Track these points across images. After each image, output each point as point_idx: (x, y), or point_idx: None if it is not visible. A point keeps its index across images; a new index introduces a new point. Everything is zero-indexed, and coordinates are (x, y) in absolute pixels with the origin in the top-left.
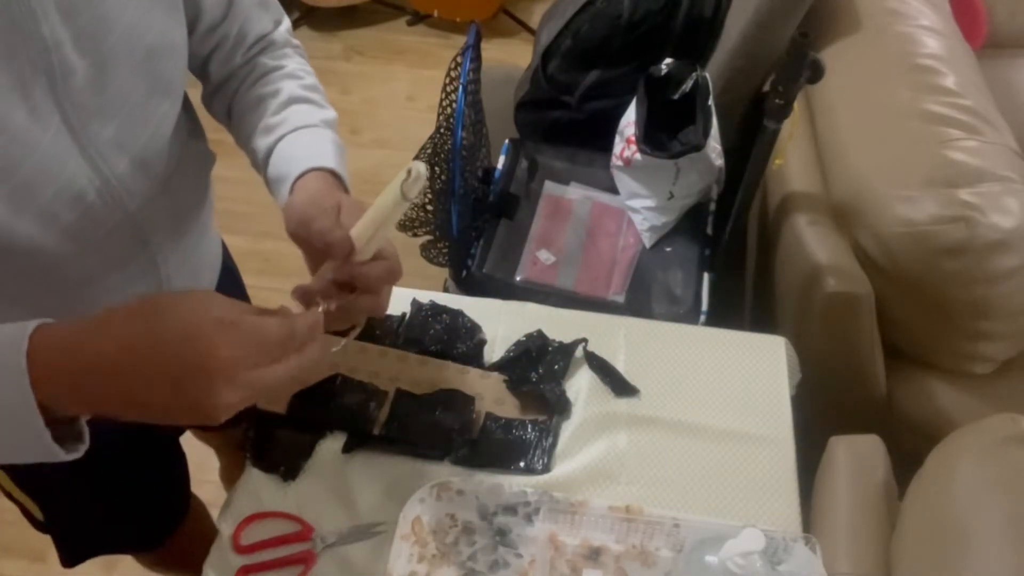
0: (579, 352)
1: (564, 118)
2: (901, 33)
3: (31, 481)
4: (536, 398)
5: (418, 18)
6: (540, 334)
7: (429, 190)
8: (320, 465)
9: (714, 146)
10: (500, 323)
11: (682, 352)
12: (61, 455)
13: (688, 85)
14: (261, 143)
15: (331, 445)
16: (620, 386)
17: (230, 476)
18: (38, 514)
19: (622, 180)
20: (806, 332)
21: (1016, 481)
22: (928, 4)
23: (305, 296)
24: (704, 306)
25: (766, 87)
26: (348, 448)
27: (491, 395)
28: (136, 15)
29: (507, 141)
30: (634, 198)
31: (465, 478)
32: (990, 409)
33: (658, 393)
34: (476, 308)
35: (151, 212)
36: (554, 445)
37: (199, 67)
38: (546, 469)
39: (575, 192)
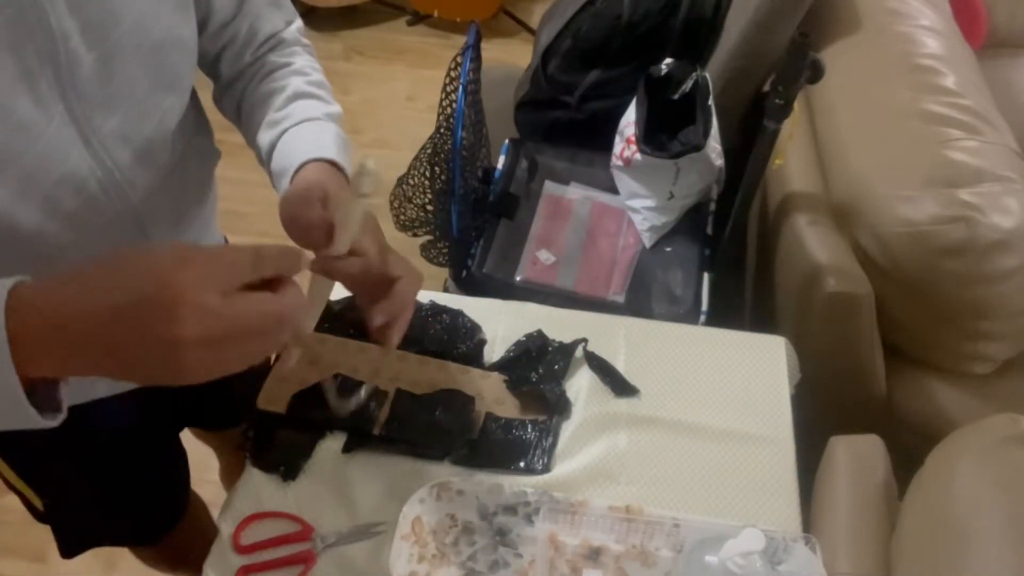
0: (579, 352)
1: (564, 118)
2: (901, 33)
3: (32, 471)
4: (536, 398)
5: (418, 18)
6: (540, 334)
7: (429, 190)
8: (320, 465)
9: (714, 146)
10: (500, 323)
11: (682, 352)
12: (37, 419)
13: (688, 85)
14: (265, 138)
15: (331, 445)
16: (620, 386)
17: (230, 476)
18: (38, 504)
19: (622, 180)
20: (806, 332)
21: (1016, 481)
22: (928, 4)
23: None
24: (704, 306)
25: (766, 87)
26: (348, 448)
27: (491, 395)
28: (144, 9)
29: (507, 141)
30: (634, 198)
31: (465, 478)
32: (990, 409)
33: (658, 393)
34: (476, 308)
35: (153, 204)
36: (554, 445)
37: (210, 65)
38: (546, 469)
39: (575, 192)
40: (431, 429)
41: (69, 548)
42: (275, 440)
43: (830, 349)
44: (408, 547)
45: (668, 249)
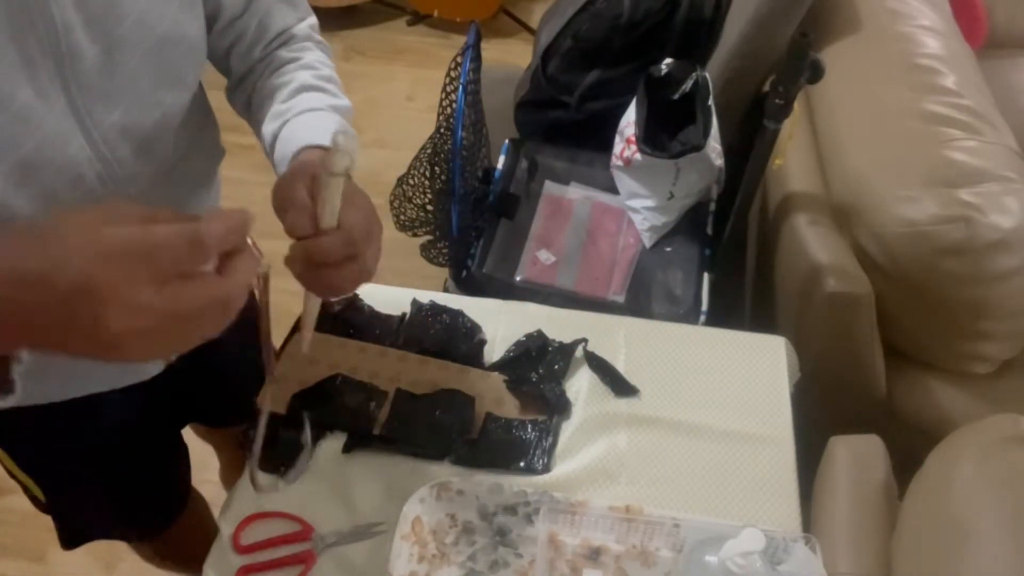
0: (579, 352)
1: (564, 118)
2: (901, 33)
3: (33, 463)
4: (536, 398)
5: (418, 18)
6: (540, 334)
7: (429, 190)
8: (320, 465)
9: (714, 146)
10: (500, 323)
11: (682, 352)
12: None
13: (688, 85)
14: (268, 129)
15: (331, 445)
16: (620, 386)
17: (230, 476)
18: (39, 495)
19: (622, 180)
20: (806, 332)
21: (1016, 481)
22: (928, 4)
23: None
24: (704, 306)
25: (766, 87)
26: (348, 448)
27: (491, 395)
28: (149, 6)
29: (507, 141)
30: (634, 198)
31: (465, 478)
32: (990, 409)
33: (658, 393)
34: (476, 308)
35: (152, 199)
36: (554, 445)
37: (221, 61)
38: (546, 469)
39: (575, 192)
40: (431, 429)
41: (69, 539)
42: (275, 440)
43: (830, 349)
44: (408, 547)
45: (668, 249)
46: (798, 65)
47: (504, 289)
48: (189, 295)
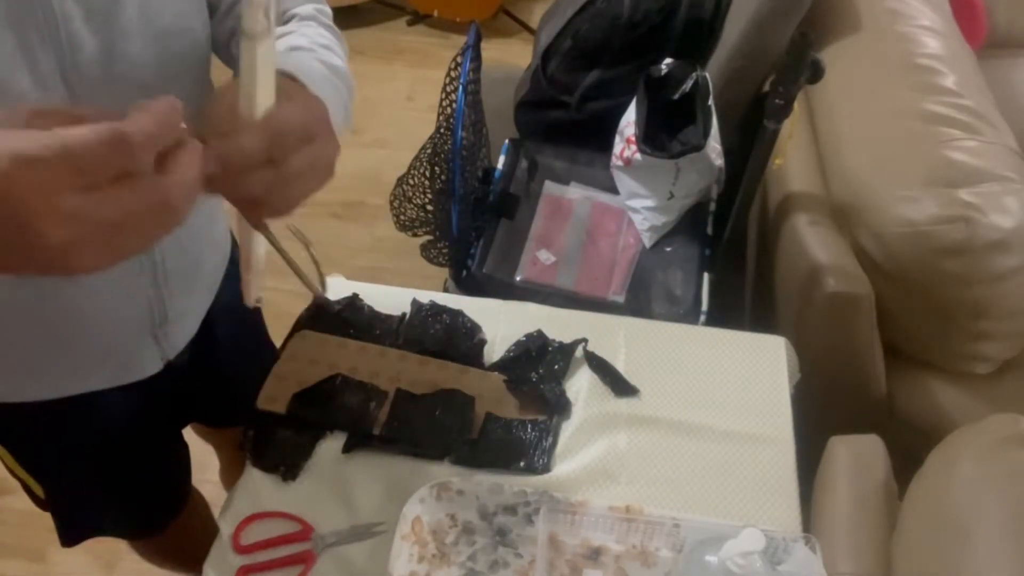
0: (579, 352)
1: (564, 118)
2: (901, 33)
3: (33, 459)
4: (536, 398)
5: (418, 18)
6: (540, 334)
7: (429, 190)
8: (320, 465)
9: (714, 146)
10: (500, 323)
11: (682, 352)
12: None
13: (688, 85)
14: None
15: (331, 445)
16: (620, 386)
17: (230, 476)
18: (39, 491)
19: (622, 180)
20: (806, 332)
21: (1016, 481)
22: (928, 4)
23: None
24: (704, 306)
25: (766, 87)
26: (348, 448)
27: (491, 395)
28: None
29: (507, 141)
30: (634, 198)
31: (465, 478)
32: (990, 409)
33: (658, 393)
34: (476, 308)
35: None
36: (554, 445)
37: (223, 51)
38: (546, 469)
39: (575, 192)
40: (431, 429)
41: (69, 537)
42: (275, 440)
43: (830, 349)
44: (408, 547)
45: (668, 249)
46: (798, 65)
47: (504, 289)
48: (122, 200)
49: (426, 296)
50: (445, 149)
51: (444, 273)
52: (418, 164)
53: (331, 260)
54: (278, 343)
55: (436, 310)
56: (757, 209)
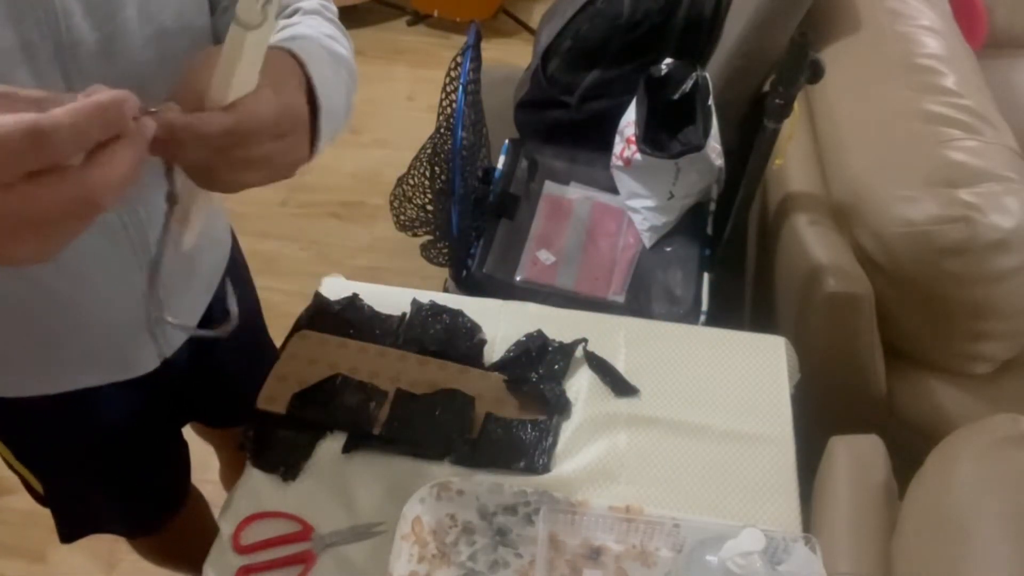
0: (579, 352)
1: (564, 118)
2: (901, 33)
3: (32, 455)
4: (536, 398)
5: (418, 18)
6: (540, 334)
7: (429, 190)
8: (320, 465)
9: (714, 146)
10: (500, 323)
11: (682, 352)
12: None
13: (688, 85)
14: None
15: (331, 445)
16: (620, 386)
17: (230, 476)
18: (38, 487)
19: (622, 180)
20: (806, 332)
21: (1016, 481)
22: (928, 4)
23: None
24: (704, 306)
25: (766, 87)
26: (348, 448)
27: (491, 395)
28: None
29: (507, 141)
30: (634, 198)
31: (465, 478)
32: (990, 409)
33: (658, 393)
34: (476, 308)
35: (152, 193)
36: (554, 445)
37: None
38: (546, 469)
39: (575, 192)
40: (431, 429)
41: (68, 533)
42: (275, 440)
43: (830, 349)
44: (408, 547)
45: (668, 249)
46: (798, 65)
47: (504, 289)
48: (41, 197)
49: (426, 296)
50: (445, 149)
51: (444, 273)
52: (418, 164)
53: (331, 260)
54: (278, 343)
55: (436, 310)
56: (757, 209)
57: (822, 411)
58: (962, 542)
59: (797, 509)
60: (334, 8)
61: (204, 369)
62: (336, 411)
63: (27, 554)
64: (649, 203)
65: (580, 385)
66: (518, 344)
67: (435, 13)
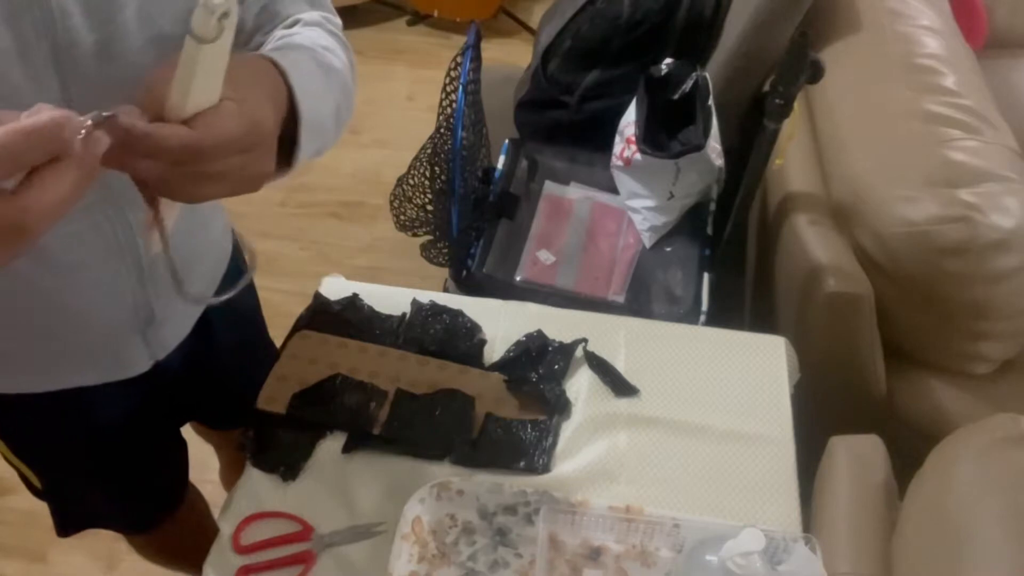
0: (579, 352)
1: (564, 118)
2: (901, 33)
3: (29, 451)
4: (536, 398)
5: (418, 18)
6: (540, 334)
7: (429, 190)
8: (320, 465)
9: (714, 146)
10: (500, 323)
11: (682, 352)
12: None
13: (688, 85)
14: None
15: (331, 445)
16: (620, 386)
17: (230, 476)
18: (35, 481)
19: (622, 180)
20: (806, 332)
21: (1016, 481)
22: (928, 4)
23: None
24: (704, 306)
25: (766, 87)
26: (348, 448)
27: (491, 395)
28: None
29: (507, 141)
30: (634, 198)
31: (465, 478)
32: (990, 409)
33: (658, 393)
34: (476, 308)
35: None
36: (554, 445)
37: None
38: (546, 469)
39: (575, 192)
40: (431, 429)
41: (65, 527)
42: (275, 440)
43: (830, 349)
44: (408, 547)
45: (668, 249)
46: (798, 65)
47: (504, 289)
48: None
49: (426, 296)
50: (445, 149)
51: (444, 273)
52: (418, 164)
53: (331, 260)
54: (278, 343)
55: (436, 310)
56: (757, 209)
57: (822, 411)
58: (962, 542)
59: (797, 509)
60: (338, 21)
61: (203, 370)
62: (336, 411)
63: (27, 554)
64: (649, 203)
65: (580, 385)
66: (518, 344)
67: (435, 13)
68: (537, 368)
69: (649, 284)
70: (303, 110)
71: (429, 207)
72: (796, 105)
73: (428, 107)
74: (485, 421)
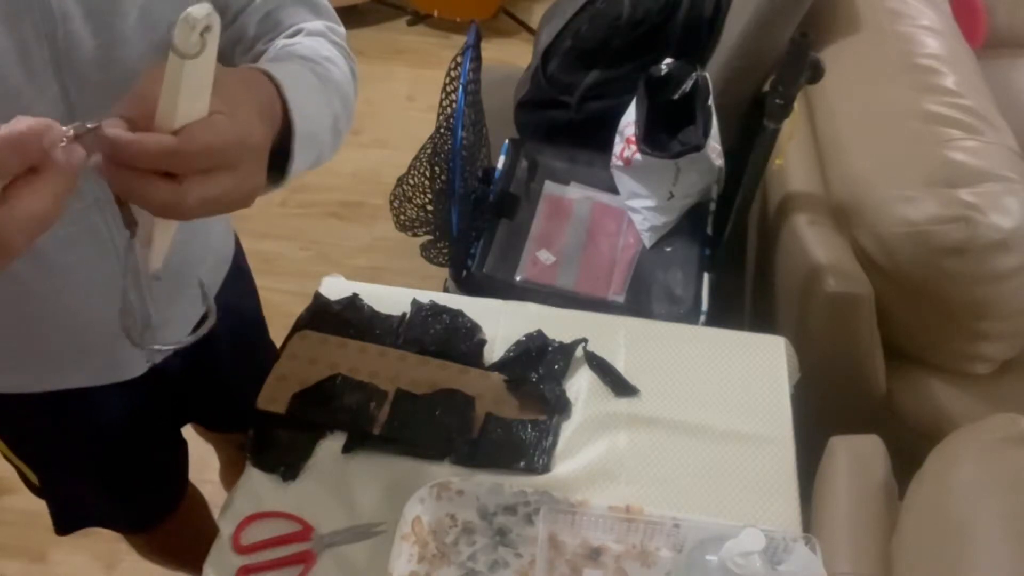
0: (579, 352)
1: (564, 118)
2: (901, 33)
3: (27, 449)
4: (536, 398)
5: (418, 18)
6: (540, 334)
7: (429, 190)
8: (320, 465)
9: (714, 146)
10: (500, 323)
11: (682, 352)
12: None
13: (688, 85)
14: None
15: (331, 445)
16: (620, 386)
17: (230, 476)
18: (34, 479)
19: (622, 180)
20: (806, 332)
21: (1016, 481)
22: (928, 4)
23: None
24: (704, 306)
25: (766, 87)
26: (348, 448)
27: (491, 395)
28: (152, 3)
29: (507, 141)
30: (634, 198)
31: (465, 478)
32: (990, 409)
33: (658, 393)
34: (476, 308)
35: None
36: (554, 445)
37: (227, 61)
38: (546, 469)
39: (575, 192)
40: (431, 429)
41: (63, 526)
42: (275, 440)
43: (830, 349)
44: (408, 547)
45: (668, 249)
46: (798, 65)
47: (504, 289)
48: None
49: (426, 296)
50: (445, 149)
51: (444, 273)
52: (418, 164)
53: (331, 260)
54: (278, 343)
55: (436, 310)
56: (757, 209)
57: (822, 411)
58: (962, 542)
59: (797, 509)
60: (341, 31)
61: (203, 371)
62: (336, 411)
63: (27, 554)
64: (649, 203)
65: (580, 385)
66: (518, 344)
67: (435, 13)
68: (537, 368)
69: (649, 284)
70: (297, 123)
71: (429, 207)
72: (796, 105)
73: (428, 107)
74: (485, 421)
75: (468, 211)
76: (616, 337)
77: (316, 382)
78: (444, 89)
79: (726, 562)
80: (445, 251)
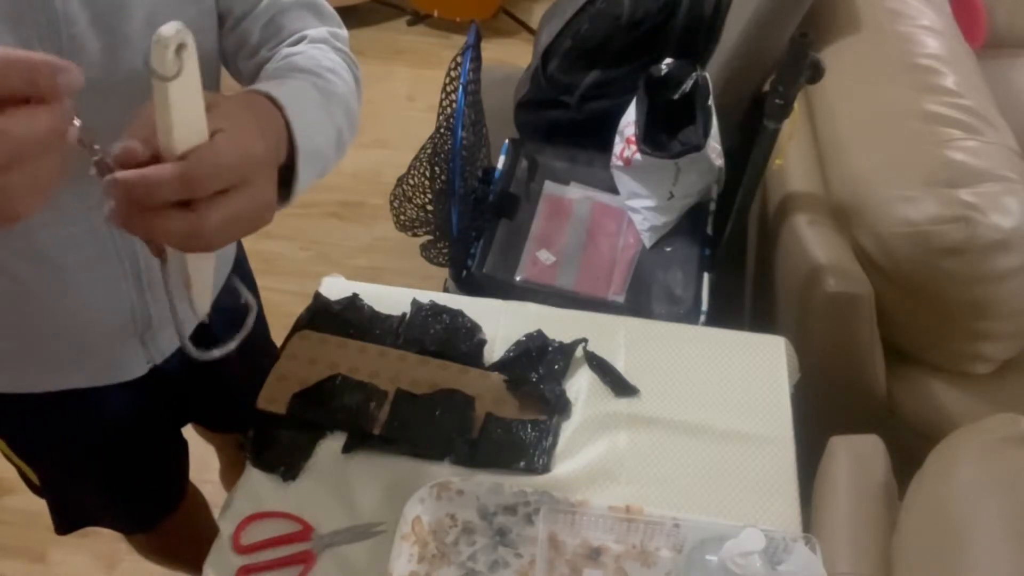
0: (579, 352)
1: (564, 118)
2: (901, 33)
3: (28, 449)
4: (536, 398)
5: (418, 18)
6: (540, 334)
7: (429, 190)
8: (320, 465)
9: (714, 146)
10: (500, 323)
11: (682, 352)
12: None
13: (688, 85)
14: None
15: (331, 445)
16: (620, 386)
17: (230, 476)
18: (34, 478)
19: (622, 180)
20: (806, 332)
21: (1016, 481)
22: (928, 4)
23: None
24: (704, 306)
25: (766, 87)
26: (348, 448)
27: (491, 395)
28: (158, 6)
29: (507, 141)
30: (634, 198)
31: (465, 478)
32: (990, 409)
33: (658, 393)
34: (476, 308)
35: None
36: (554, 445)
37: (231, 64)
38: (546, 469)
39: (575, 192)
40: (431, 429)
41: (63, 525)
42: (275, 440)
43: (830, 349)
44: (408, 547)
45: (668, 249)
46: (798, 65)
47: (504, 289)
48: None
49: (426, 296)
50: (445, 149)
51: (444, 273)
52: (418, 164)
53: (331, 260)
54: (278, 343)
55: (436, 310)
56: (757, 209)
57: (822, 411)
58: (962, 542)
59: (797, 509)
60: (344, 35)
61: (203, 371)
62: (336, 411)
63: (27, 554)
64: (649, 203)
65: (580, 385)
66: (518, 344)
67: (435, 13)
68: (537, 368)
69: (649, 284)
70: (301, 142)
71: (429, 207)
72: (796, 105)
73: (428, 107)
74: (485, 421)
75: (468, 211)
76: (616, 337)
77: (316, 382)
78: (444, 89)
79: (726, 562)
80: (445, 251)
